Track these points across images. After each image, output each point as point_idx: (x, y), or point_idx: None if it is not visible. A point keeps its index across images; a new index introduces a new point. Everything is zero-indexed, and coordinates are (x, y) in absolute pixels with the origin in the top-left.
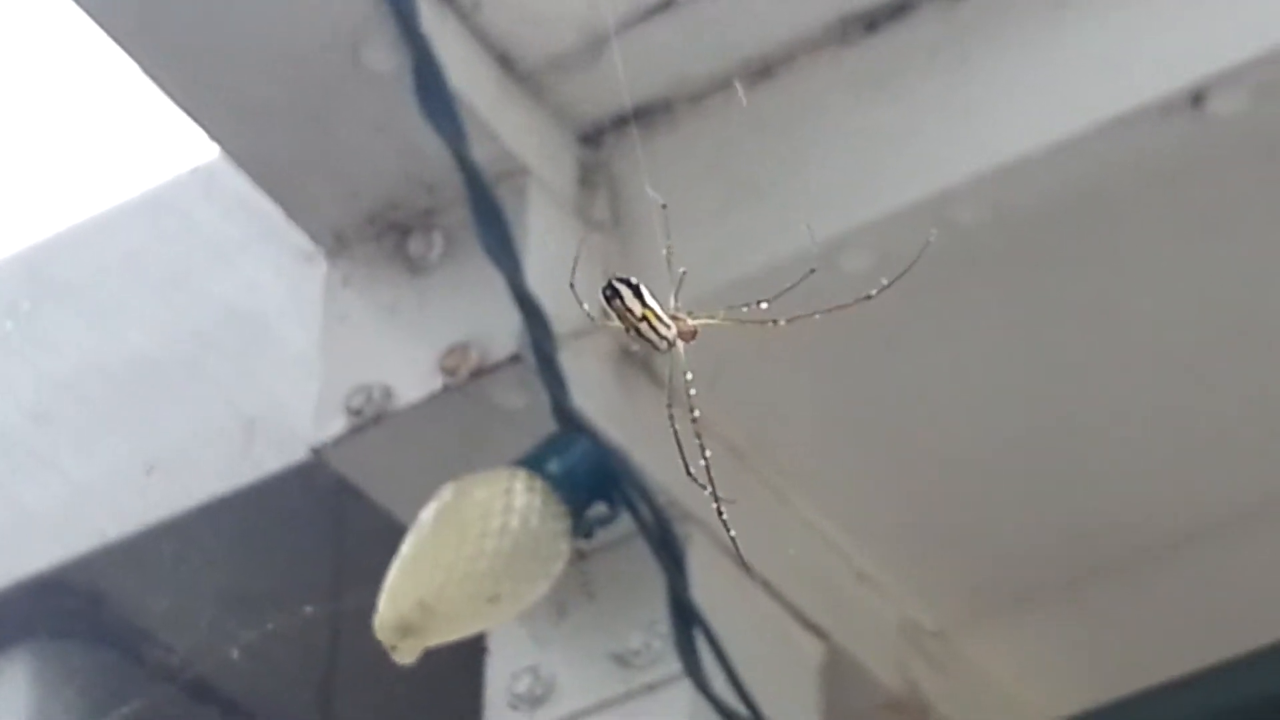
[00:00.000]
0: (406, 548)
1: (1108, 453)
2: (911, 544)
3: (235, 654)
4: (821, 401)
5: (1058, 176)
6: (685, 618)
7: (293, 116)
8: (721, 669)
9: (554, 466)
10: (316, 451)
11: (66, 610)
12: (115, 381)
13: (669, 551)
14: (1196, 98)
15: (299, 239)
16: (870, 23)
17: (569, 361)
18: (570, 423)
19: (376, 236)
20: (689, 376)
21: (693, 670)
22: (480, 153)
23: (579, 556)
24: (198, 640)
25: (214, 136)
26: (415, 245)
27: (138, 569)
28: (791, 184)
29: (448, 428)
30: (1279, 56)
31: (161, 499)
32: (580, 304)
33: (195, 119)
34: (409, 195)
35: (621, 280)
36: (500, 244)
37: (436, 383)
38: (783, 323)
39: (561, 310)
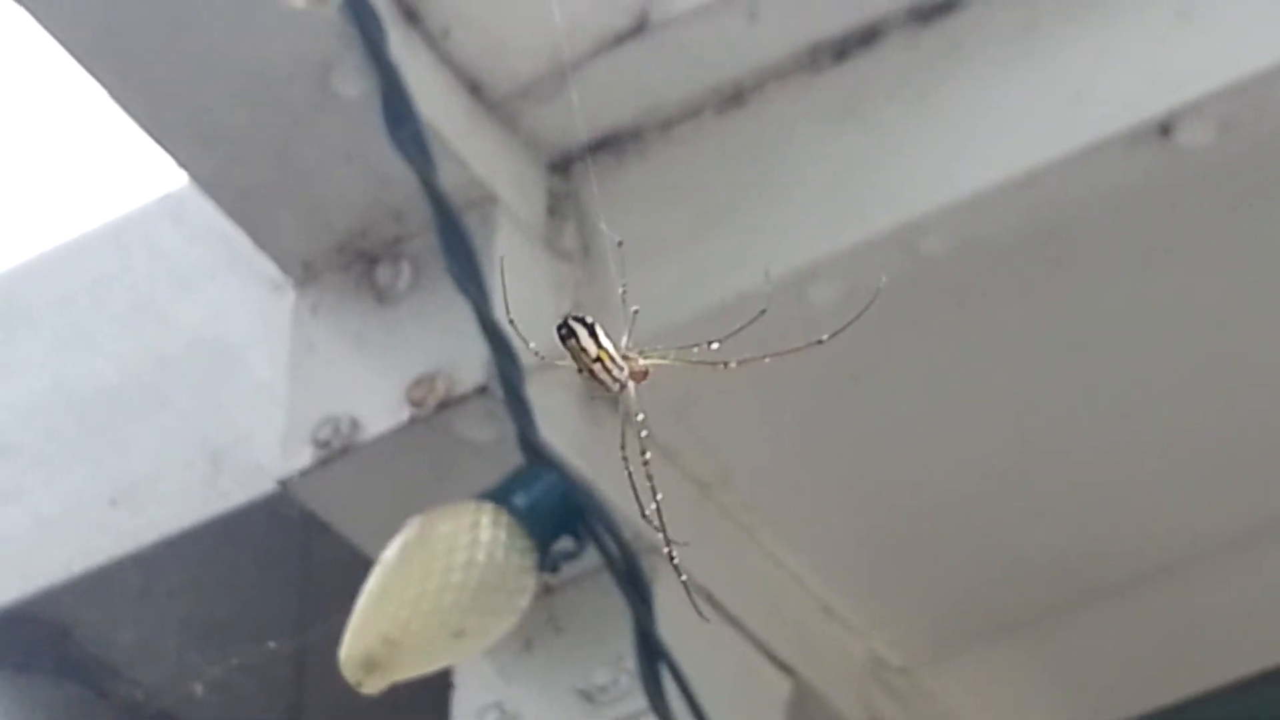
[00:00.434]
0: (372, 582)
1: (1074, 486)
2: (878, 579)
3: (201, 688)
4: (787, 435)
5: (1026, 206)
6: (652, 653)
7: (261, 144)
8: (688, 705)
9: (520, 500)
10: (283, 484)
11: (32, 643)
12: (81, 411)
13: (635, 586)
14: (1164, 129)
15: (267, 267)
16: (839, 51)
17: (536, 393)
18: (537, 455)
19: (345, 265)
20: (641, 418)
21: (659, 706)
22: (448, 180)
23: (545, 591)
24: (164, 673)
25: (182, 164)
26: (383, 274)
27: (103, 602)
28: (761, 212)
29: (415, 460)
30: (1247, 87)
31: (127, 531)
32: (527, 344)
33: (163, 146)
34: (377, 224)
35: (577, 319)
36: (468, 273)
37: (404, 414)
38: (733, 364)
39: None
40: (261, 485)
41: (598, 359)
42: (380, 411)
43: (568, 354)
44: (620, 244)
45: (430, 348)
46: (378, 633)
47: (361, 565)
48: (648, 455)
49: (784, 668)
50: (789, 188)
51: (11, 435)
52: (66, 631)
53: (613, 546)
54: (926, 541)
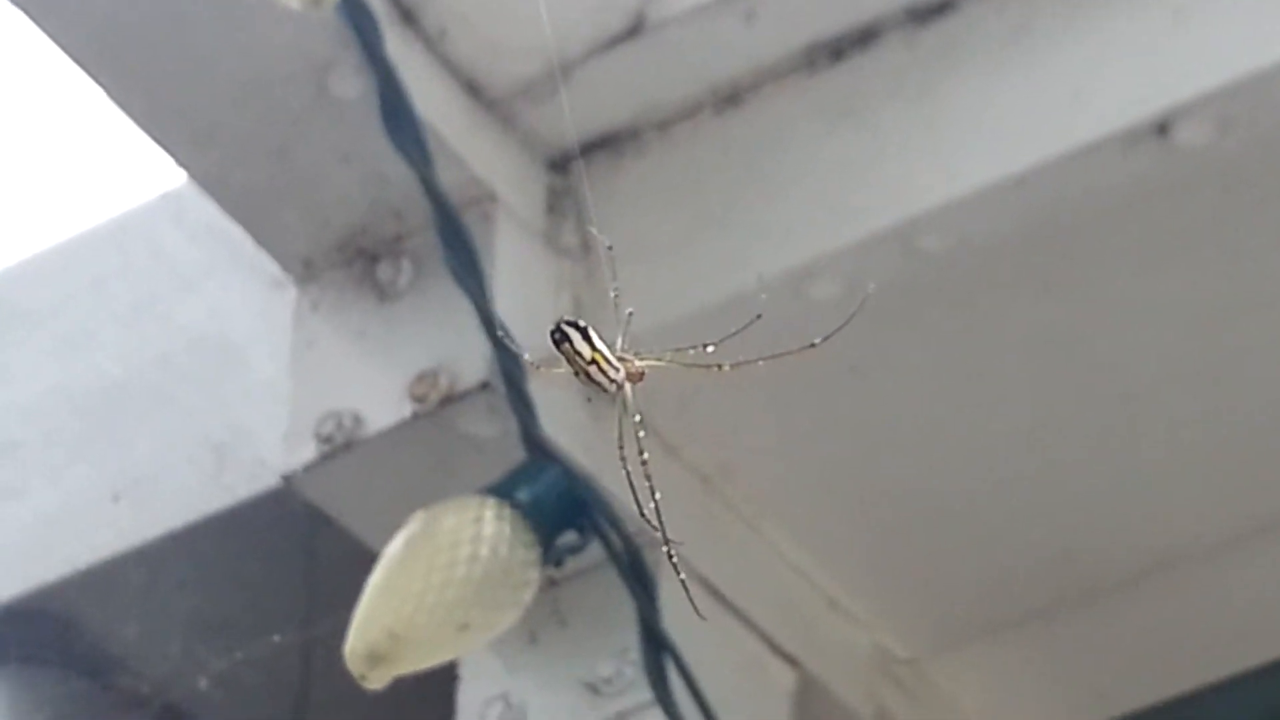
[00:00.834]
0: (376, 576)
1: (1077, 481)
2: (883, 571)
3: (206, 682)
4: (790, 429)
5: (1024, 205)
6: (656, 646)
7: (260, 143)
8: (692, 697)
9: (523, 494)
10: (287, 479)
11: (37, 638)
12: (83, 409)
13: (639, 579)
14: (1162, 128)
15: (268, 265)
16: (837, 51)
17: (538, 388)
18: (540, 450)
19: (345, 263)
20: (638, 419)
21: (664, 698)
22: (447, 179)
23: (550, 584)
24: (169, 668)
25: (181, 163)
26: (384, 272)
27: (108, 596)
28: (759, 212)
29: (417, 455)
30: (1244, 86)
31: (131, 526)
32: (523, 354)
33: (162, 146)
34: (377, 222)
35: (570, 323)
36: (468, 270)
37: (406, 410)
38: (727, 367)
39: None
40: (265, 480)
41: (592, 361)
42: (383, 407)
43: (563, 358)
44: (610, 248)
45: (432, 344)
46: (382, 626)
47: (366, 560)
48: (645, 455)
49: (789, 660)
50: (787, 187)
51: (14, 433)
52: (71, 626)
53: (616, 540)
54: (932, 534)
